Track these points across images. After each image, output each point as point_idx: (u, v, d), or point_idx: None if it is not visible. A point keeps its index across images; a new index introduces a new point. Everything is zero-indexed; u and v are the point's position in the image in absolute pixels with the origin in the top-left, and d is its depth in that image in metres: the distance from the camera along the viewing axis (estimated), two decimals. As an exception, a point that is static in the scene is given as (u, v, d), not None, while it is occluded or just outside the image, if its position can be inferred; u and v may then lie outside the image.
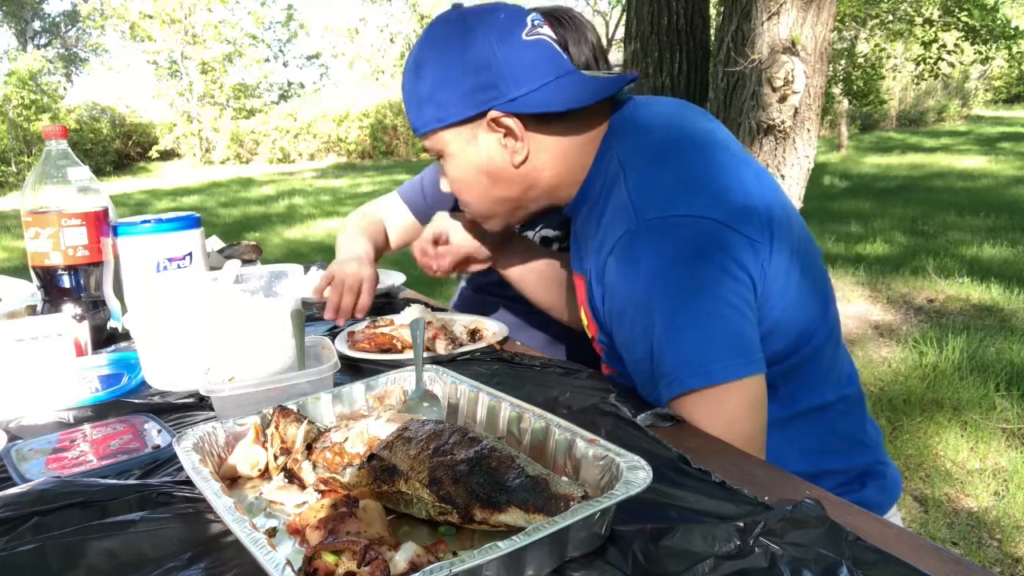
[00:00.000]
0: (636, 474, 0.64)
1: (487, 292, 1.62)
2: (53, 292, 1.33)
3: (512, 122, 1.00)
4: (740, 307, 0.90)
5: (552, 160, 1.05)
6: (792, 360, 0.98)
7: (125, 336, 1.37)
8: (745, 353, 0.89)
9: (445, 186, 1.13)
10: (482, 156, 1.04)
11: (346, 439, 0.77)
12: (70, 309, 1.32)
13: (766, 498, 0.71)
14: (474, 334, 1.29)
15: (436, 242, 1.29)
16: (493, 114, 1.00)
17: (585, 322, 1.12)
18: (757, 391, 0.91)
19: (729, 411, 0.89)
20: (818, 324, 1.00)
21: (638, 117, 1.05)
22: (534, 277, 1.33)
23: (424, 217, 1.70)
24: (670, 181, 0.94)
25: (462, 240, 1.27)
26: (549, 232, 1.52)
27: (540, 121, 1.01)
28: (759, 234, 0.91)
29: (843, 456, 1.06)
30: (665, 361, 0.90)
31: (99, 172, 14.89)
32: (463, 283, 1.72)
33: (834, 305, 1.07)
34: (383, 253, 1.64)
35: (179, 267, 1.41)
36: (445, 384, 0.91)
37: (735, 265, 0.89)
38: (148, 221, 1.40)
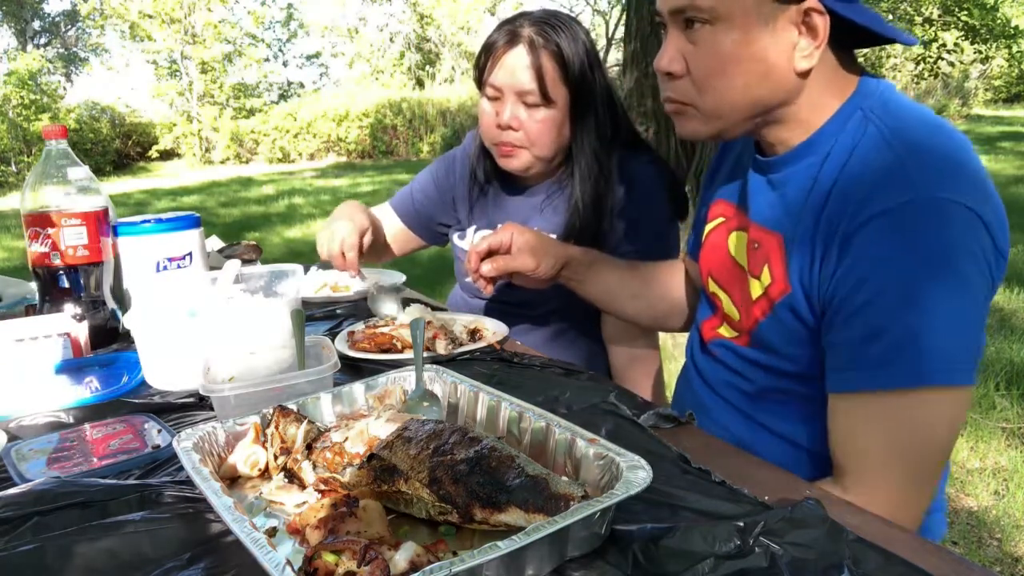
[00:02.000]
0: (636, 474, 0.64)
1: (481, 298, 1.62)
2: (53, 292, 1.33)
3: (822, 22, 0.89)
4: (984, 316, 0.88)
5: (819, 86, 0.94)
6: None
7: (125, 336, 1.37)
8: (976, 364, 0.87)
9: (670, 59, 0.97)
10: (770, 44, 0.91)
11: (346, 439, 0.77)
12: (70, 309, 1.31)
13: (766, 498, 0.71)
14: (474, 334, 1.29)
15: (494, 251, 1.25)
16: (812, 3, 0.88)
17: (767, 281, 1.00)
18: (967, 404, 0.89)
19: (937, 416, 0.87)
20: (980, 353, 0.98)
21: (892, 88, 0.97)
22: (601, 292, 1.33)
23: (412, 221, 1.71)
24: (951, 165, 0.87)
25: (523, 263, 1.23)
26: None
27: (836, 36, 0.91)
28: (1006, 253, 0.89)
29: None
30: (909, 348, 0.84)
31: (99, 172, 14.88)
32: (459, 288, 1.71)
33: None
34: (380, 241, 1.66)
35: (179, 267, 1.41)
36: (445, 384, 0.91)
37: (990, 276, 0.87)
38: (148, 221, 1.40)
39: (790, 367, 0.99)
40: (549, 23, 1.40)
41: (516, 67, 1.38)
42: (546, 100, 1.39)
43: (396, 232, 1.72)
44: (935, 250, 0.84)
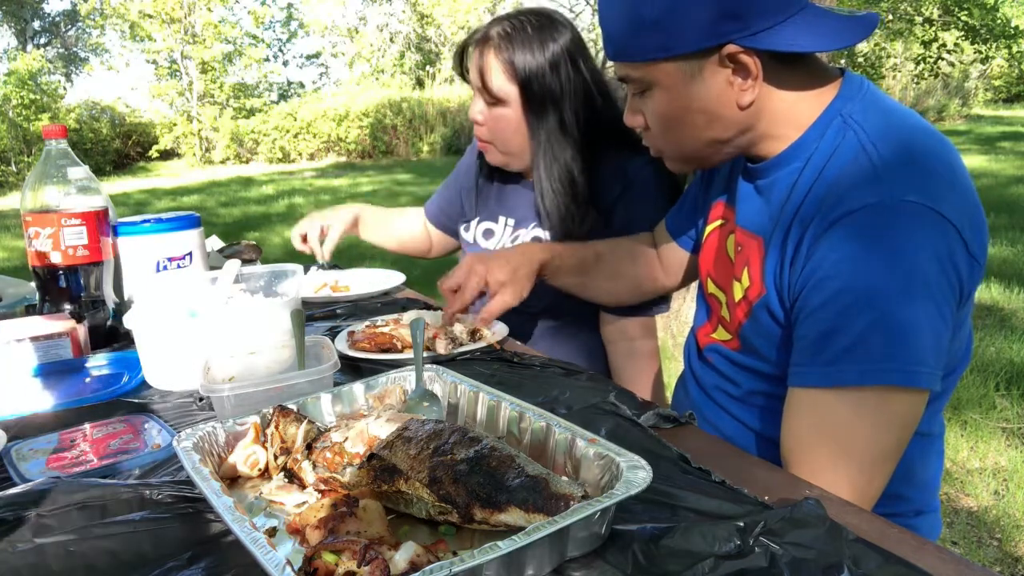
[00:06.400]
0: (636, 474, 0.64)
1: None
2: (53, 292, 1.33)
3: (750, 60, 0.90)
4: (948, 324, 0.87)
5: (777, 107, 0.95)
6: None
7: (125, 336, 1.37)
8: (938, 368, 0.87)
9: (631, 116, 1.04)
10: (704, 94, 0.94)
11: (346, 439, 0.77)
12: (70, 309, 1.31)
13: (766, 498, 0.71)
14: (474, 334, 1.28)
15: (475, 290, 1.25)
16: (731, 49, 0.89)
17: (746, 284, 1.02)
18: (919, 407, 0.88)
19: (888, 416, 0.86)
20: (962, 357, 0.98)
21: (873, 89, 0.96)
22: (568, 286, 1.36)
23: (439, 222, 1.81)
24: (924, 169, 0.87)
25: (509, 300, 1.23)
26: (541, 233, 1.52)
27: (778, 61, 0.92)
28: (980, 260, 0.89)
29: (917, 488, 1.04)
30: (871, 347, 0.84)
31: (99, 172, 14.86)
32: None
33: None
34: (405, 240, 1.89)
35: (179, 267, 1.41)
36: (445, 384, 0.91)
37: (959, 281, 0.87)
38: (148, 221, 1.40)
39: (770, 369, 1.00)
40: (515, 24, 1.41)
41: (472, 66, 1.45)
42: (494, 98, 1.42)
43: (433, 235, 1.86)
44: (896, 252, 0.84)
